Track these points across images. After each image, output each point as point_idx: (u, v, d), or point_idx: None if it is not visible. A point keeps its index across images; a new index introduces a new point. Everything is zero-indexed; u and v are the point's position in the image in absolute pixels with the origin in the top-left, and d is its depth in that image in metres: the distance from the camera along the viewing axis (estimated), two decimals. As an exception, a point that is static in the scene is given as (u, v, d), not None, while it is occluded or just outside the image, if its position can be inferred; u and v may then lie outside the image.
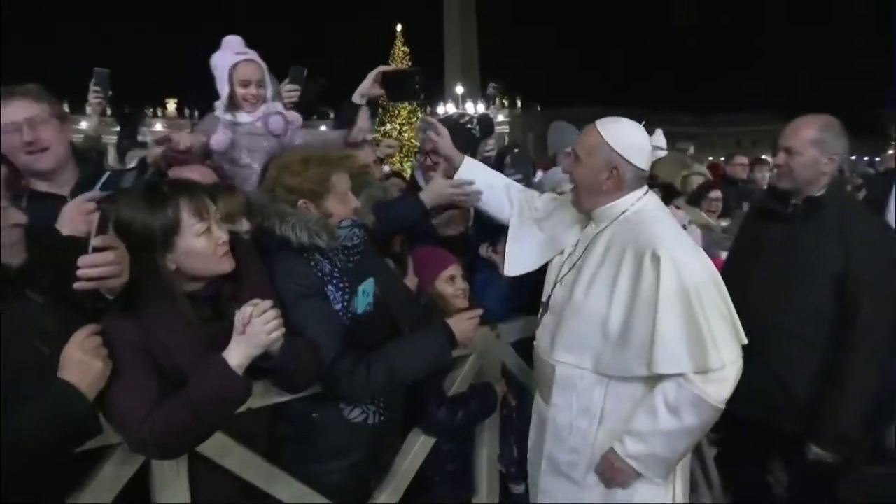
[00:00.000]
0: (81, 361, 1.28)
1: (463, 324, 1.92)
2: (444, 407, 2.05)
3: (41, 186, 1.94)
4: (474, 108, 33.52)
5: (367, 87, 2.63)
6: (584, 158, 1.86)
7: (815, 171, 2.20)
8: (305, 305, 1.70)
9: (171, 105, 42.93)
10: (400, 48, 38.72)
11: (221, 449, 1.54)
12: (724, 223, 4.07)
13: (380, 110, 3.13)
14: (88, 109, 2.94)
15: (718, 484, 2.88)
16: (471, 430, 2.29)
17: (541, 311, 2.03)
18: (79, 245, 1.36)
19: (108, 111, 2.91)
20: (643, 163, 1.84)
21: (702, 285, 1.70)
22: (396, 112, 35.40)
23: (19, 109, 1.85)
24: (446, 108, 34.42)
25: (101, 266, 1.33)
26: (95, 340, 1.32)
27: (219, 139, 2.42)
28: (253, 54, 2.47)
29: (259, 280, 1.64)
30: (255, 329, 1.42)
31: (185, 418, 1.36)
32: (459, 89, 33.38)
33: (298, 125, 2.56)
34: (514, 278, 2.17)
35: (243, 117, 2.46)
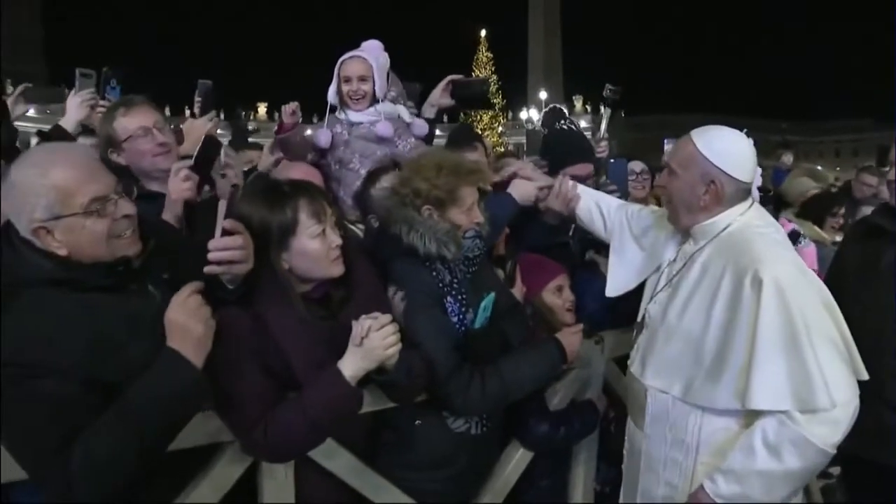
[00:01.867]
0: (184, 326, 1.27)
1: (570, 338, 1.86)
2: (546, 422, 1.97)
3: (153, 186, 2.03)
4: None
5: (437, 96, 2.66)
6: (679, 172, 1.72)
7: None
8: (425, 315, 1.68)
9: (262, 108, 44.92)
10: (484, 53, 38.98)
11: (328, 452, 1.53)
12: (837, 238, 3.74)
13: (461, 116, 3.16)
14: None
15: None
16: (569, 446, 2.20)
17: (635, 329, 1.92)
18: (193, 242, 1.39)
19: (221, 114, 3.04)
20: (745, 174, 1.69)
21: (810, 312, 1.53)
22: (479, 118, 35.56)
23: (146, 116, 1.99)
24: (529, 114, 34.24)
25: (231, 249, 1.35)
26: (196, 300, 1.30)
27: (320, 135, 2.50)
28: (365, 52, 2.53)
29: (372, 286, 1.64)
30: (373, 343, 1.41)
31: (299, 425, 1.37)
32: (543, 94, 33.12)
33: (421, 133, 2.57)
34: None
35: (353, 116, 2.52)
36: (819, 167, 4.96)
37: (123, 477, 1.21)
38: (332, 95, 2.58)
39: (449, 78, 2.65)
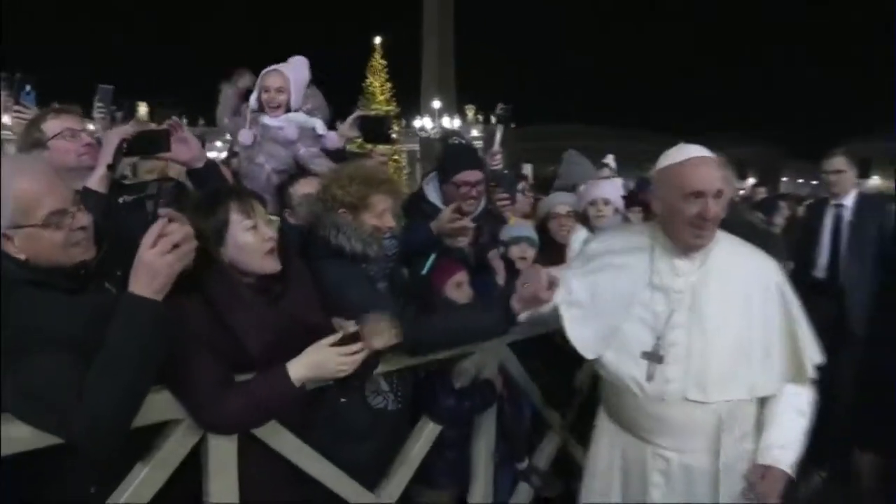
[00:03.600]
0: (150, 264, 1.34)
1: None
2: (452, 397, 2.27)
3: (78, 185, 2.14)
4: (450, 123, 33.91)
5: (346, 129, 3.08)
6: (726, 192, 1.79)
7: None
8: (363, 290, 1.98)
9: (143, 109, 42.51)
10: (378, 60, 39.03)
11: (269, 430, 1.74)
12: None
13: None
14: (93, 126, 3.23)
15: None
16: (471, 420, 2.51)
17: (647, 363, 1.81)
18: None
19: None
20: None
21: None
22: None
23: (75, 121, 2.16)
24: (423, 122, 34.71)
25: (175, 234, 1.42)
26: (168, 242, 1.35)
27: (243, 135, 2.96)
28: (286, 66, 2.99)
29: (305, 283, 1.87)
30: (330, 360, 1.65)
31: (246, 408, 1.59)
32: (436, 104, 33.71)
33: (331, 145, 2.98)
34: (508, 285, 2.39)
35: (266, 120, 2.96)
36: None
37: (126, 418, 1.38)
38: (253, 101, 3.02)
39: (357, 113, 3.14)
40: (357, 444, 2.01)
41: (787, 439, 1.80)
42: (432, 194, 2.82)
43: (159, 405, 1.55)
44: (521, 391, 2.73)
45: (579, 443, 3.07)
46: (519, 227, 3.00)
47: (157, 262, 1.34)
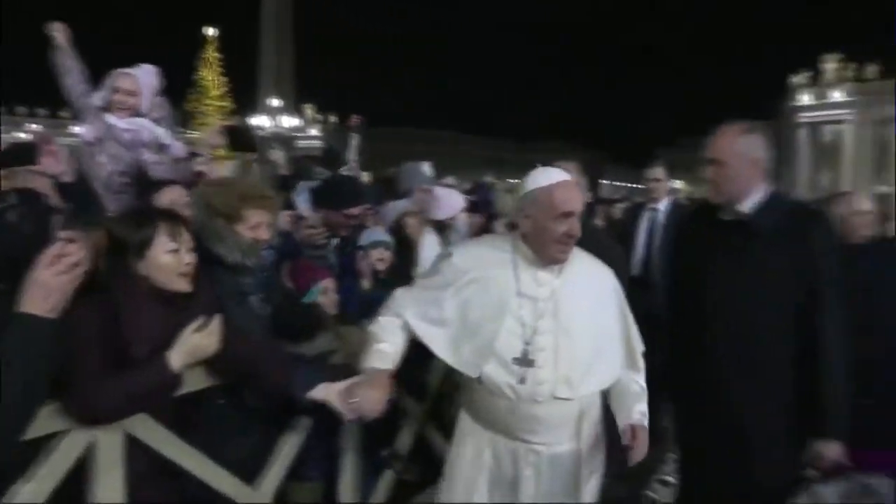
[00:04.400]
0: (45, 283, 1.41)
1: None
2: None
3: None
4: (289, 122, 33.12)
5: (212, 138, 3.26)
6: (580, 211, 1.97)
7: None
8: (241, 311, 2.11)
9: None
10: (211, 53, 37.00)
11: (151, 432, 1.82)
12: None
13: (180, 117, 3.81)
14: None
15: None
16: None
17: (518, 368, 1.93)
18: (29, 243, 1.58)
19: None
20: None
21: None
22: (204, 121, 33.78)
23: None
24: (259, 120, 33.54)
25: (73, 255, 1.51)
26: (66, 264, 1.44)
27: (89, 130, 2.99)
28: (138, 71, 3.07)
29: (209, 298, 1.98)
30: (199, 342, 1.81)
31: (126, 392, 1.68)
32: (276, 102, 32.75)
33: (176, 154, 3.00)
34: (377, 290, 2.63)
35: (114, 121, 3.00)
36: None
37: (20, 432, 1.43)
38: (98, 99, 3.04)
39: (221, 123, 3.28)
40: (237, 441, 2.12)
41: (642, 406, 2.05)
42: (302, 207, 3.00)
43: (44, 418, 1.57)
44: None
45: (437, 430, 3.40)
46: (376, 232, 3.24)
47: (51, 281, 1.41)
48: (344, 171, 3.87)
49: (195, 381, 1.94)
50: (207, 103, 36.42)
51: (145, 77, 3.09)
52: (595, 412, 2.08)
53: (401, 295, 2.13)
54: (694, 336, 2.42)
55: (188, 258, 1.87)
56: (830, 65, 57.76)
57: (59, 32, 2.94)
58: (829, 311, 2.24)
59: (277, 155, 4.14)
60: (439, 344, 2.01)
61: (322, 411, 2.47)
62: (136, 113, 3.07)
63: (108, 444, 1.72)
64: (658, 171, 4.71)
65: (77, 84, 2.97)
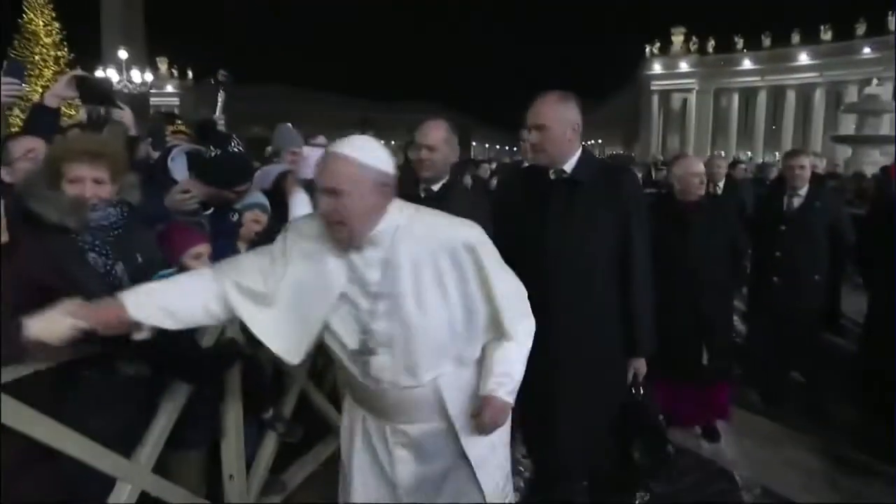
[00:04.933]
0: None
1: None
2: (198, 355, 2.40)
3: None
4: (141, 77, 30.32)
5: (61, 89, 2.89)
6: (349, 189, 1.64)
7: None
8: (78, 269, 1.96)
9: None
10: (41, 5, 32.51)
11: (22, 418, 1.72)
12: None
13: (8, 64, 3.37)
14: None
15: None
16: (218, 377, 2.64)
17: (358, 359, 1.82)
18: None
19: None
20: (392, 168, 1.74)
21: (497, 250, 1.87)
22: (38, 73, 30.03)
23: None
24: (106, 73, 30.47)
25: None
26: None
27: None
28: None
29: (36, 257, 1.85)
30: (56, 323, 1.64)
31: None
32: (123, 54, 29.79)
33: None
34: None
35: None
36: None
37: None
38: None
39: (73, 73, 2.95)
40: (109, 413, 2.03)
41: (502, 370, 1.86)
42: (177, 172, 2.83)
43: None
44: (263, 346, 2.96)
45: (319, 391, 3.44)
46: (252, 195, 3.15)
47: None
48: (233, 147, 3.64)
49: (57, 354, 1.79)
50: (39, 52, 32.25)
51: None
52: (465, 384, 1.89)
53: (229, 261, 1.90)
54: (536, 281, 2.38)
55: None
56: (677, 37, 62.63)
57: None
58: (637, 246, 2.58)
59: (124, 114, 3.70)
60: (260, 325, 1.78)
61: (202, 376, 2.44)
62: None
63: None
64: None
65: None
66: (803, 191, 4.30)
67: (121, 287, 1.98)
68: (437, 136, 2.81)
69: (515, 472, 2.94)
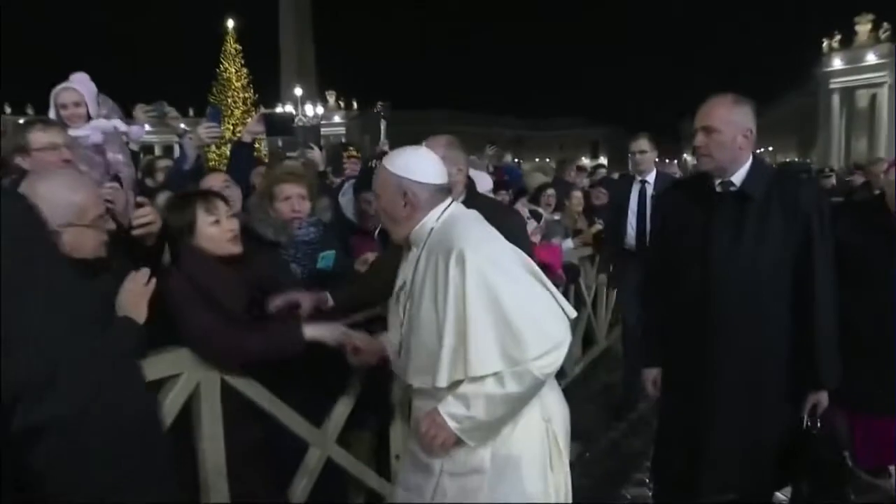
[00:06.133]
0: (131, 302, 1.83)
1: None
2: None
3: None
4: (313, 111, 33.55)
5: (253, 126, 3.49)
6: (380, 193, 1.93)
7: None
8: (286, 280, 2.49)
9: None
10: (232, 45, 37.46)
11: (242, 381, 2.20)
12: (556, 216, 5.30)
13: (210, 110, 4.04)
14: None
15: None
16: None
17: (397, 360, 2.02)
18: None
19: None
20: (432, 178, 1.89)
21: (505, 275, 1.74)
22: (230, 113, 34.44)
23: (58, 135, 2.49)
24: (284, 109, 34.00)
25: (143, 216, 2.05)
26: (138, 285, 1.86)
27: None
28: (75, 83, 3.27)
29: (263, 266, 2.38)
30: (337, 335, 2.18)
31: (250, 342, 2.08)
32: (298, 91, 33.11)
33: (138, 136, 3.42)
34: None
35: (72, 132, 3.09)
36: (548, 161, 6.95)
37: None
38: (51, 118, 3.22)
39: (261, 112, 3.61)
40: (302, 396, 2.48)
41: (458, 391, 1.77)
42: (348, 210, 3.46)
43: (158, 364, 1.97)
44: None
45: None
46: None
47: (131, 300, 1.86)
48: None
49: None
50: (231, 95, 36.96)
51: (83, 85, 3.31)
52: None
53: None
54: (696, 304, 2.39)
55: (230, 224, 2.23)
56: (863, 27, 55.90)
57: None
58: (819, 266, 2.30)
59: (314, 154, 4.48)
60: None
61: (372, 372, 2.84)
62: (87, 119, 3.27)
63: (210, 384, 2.12)
64: (643, 143, 4.65)
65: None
66: None
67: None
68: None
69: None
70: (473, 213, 1.95)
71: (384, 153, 4.78)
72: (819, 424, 2.43)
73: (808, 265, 2.31)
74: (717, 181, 2.40)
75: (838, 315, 2.36)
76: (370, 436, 3.06)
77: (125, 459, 1.58)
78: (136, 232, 2.05)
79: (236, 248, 2.22)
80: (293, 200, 2.68)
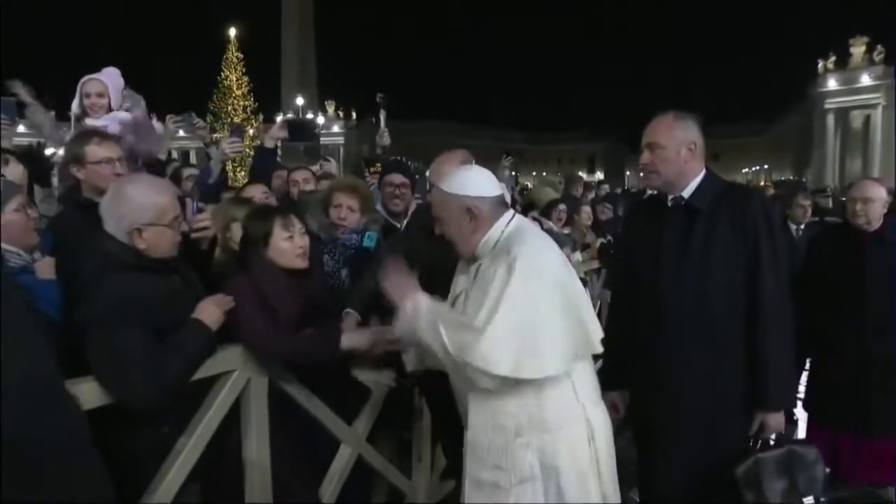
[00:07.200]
0: (208, 309, 2.02)
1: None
2: None
3: (97, 198, 2.55)
4: (314, 120, 33.75)
5: (276, 131, 3.73)
6: (444, 216, 2.00)
7: None
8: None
9: None
10: (234, 53, 37.71)
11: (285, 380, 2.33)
12: (566, 231, 5.45)
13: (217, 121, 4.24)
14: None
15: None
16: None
17: None
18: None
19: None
20: (489, 191, 1.98)
21: (543, 289, 1.83)
22: (230, 119, 34.66)
23: (113, 150, 2.56)
24: (286, 118, 34.20)
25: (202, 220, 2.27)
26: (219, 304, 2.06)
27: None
28: (103, 75, 3.46)
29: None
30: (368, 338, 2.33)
31: (295, 346, 2.22)
32: (300, 101, 33.33)
33: (140, 119, 3.45)
34: None
35: (89, 121, 3.34)
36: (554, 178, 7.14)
37: (179, 384, 1.91)
38: (75, 107, 3.44)
39: (284, 118, 3.80)
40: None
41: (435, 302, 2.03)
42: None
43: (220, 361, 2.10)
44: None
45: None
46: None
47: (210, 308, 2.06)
48: (382, 142, 4.61)
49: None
50: (231, 103, 37.18)
51: (109, 77, 3.46)
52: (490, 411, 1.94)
53: None
54: (650, 319, 2.38)
55: (301, 241, 2.38)
56: (858, 48, 56.60)
57: (22, 90, 3.34)
58: (767, 281, 2.24)
59: (330, 165, 4.75)
60: None
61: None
62: (109, 111, 3.42)
63: (259, 384, 2.24)
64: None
65: (50, 132, 3.45)
66: None
67: (342, 286, 2.77)
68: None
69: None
70: (536, 227, 2.11)
71: (385, 147, 5.11)
72: (771, 444, 2.31)
73: (756, 279, 2.25)
74: (670, 197, 2.40)
75: (791, 333, 2.29)
76: (395, 437, 3.18)
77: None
78: (194, 235, 2.21)
79: (303, 264, 2.37)
80: (342, 209, 3.01)
